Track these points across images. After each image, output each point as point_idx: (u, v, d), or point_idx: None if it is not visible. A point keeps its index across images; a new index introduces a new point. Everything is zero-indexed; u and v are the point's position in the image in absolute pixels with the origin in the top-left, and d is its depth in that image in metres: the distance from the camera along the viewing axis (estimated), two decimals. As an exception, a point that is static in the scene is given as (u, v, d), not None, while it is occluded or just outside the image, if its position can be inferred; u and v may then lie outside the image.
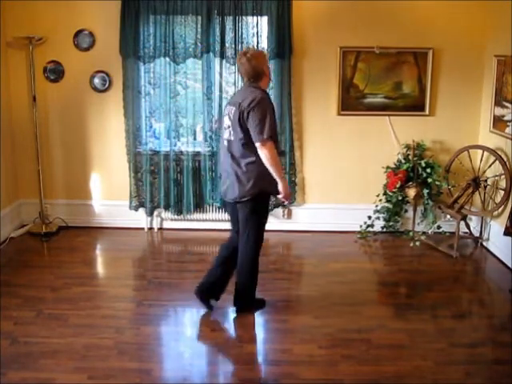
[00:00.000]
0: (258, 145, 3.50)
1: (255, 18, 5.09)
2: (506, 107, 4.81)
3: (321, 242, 5.33)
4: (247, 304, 3.91)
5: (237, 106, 3.56)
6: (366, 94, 5.31)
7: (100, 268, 4.95)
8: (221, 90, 5.24)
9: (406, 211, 5.45)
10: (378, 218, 5.42)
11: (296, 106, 5.33)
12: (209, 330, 3.81)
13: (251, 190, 3.60)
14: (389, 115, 5.35)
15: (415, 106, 5.33)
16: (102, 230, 5.56)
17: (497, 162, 4.89)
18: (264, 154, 3.49)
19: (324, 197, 5.53)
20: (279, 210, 5.53)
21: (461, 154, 5.26)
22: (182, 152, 5.38)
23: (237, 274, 3.85)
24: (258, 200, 3.65)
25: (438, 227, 5.28)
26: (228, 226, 5.51)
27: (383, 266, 4.90)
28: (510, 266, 4.69)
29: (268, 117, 3.47)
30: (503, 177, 4.84)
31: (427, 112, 5.33)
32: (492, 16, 5.06)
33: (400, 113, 5.34)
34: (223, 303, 4.07)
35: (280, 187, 3.62)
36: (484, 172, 5.11)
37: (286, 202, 3.92)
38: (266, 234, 5.57)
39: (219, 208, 5.49)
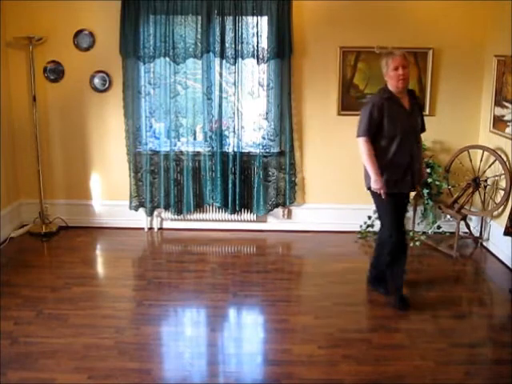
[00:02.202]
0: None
1: (255, 18, 5.08)
2: (506, 107, 4.81)
3: (321, 242, 5.33)
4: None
5: None
6: (366, 94, 5.30)
7: (100, 268, 4.95)
8: (221, 90, 5.23)
9: (406, 211, 5.44)
10: (378, 218, 5.40)
11: (296, 106, 5.33)
12: (209, 329, 3.81)
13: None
14: (389, 115, 5.34)
15: (415, 106, 5.33)
16: (102, 229, 5.56)
17: (497, 161, 4.89)
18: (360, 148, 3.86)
19: (324, 197, 5.53)
20: (279, 210, 5.53)
21: (461, 154, 5.26)
22: (182, 152, 5.39)
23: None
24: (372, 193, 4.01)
25: (438, 227, 5.28)
26: (226, 226, 5.55)
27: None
28: (510, 265, 4.70)
29: (365, 117, 3.81)
30: (503, 177, 4.84)
31: (427, 112, 5.32)
32: (492, 16, 5.07)
33: (400, 113, 5.34)
34: (223, 303, 4.08)
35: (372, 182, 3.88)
36: (484, 172, 5.11)
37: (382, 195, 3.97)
38: (265, 234, 5.61)
39: (219, 208, 5.49)
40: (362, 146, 3.84)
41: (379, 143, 3.85)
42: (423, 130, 4.07)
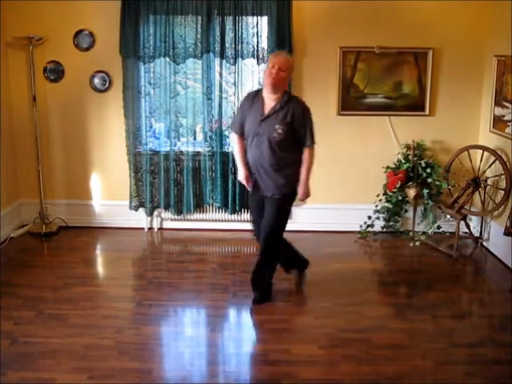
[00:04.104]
0: None
1: (255, 18, 5.08)
2: (506, 107, 4.81)
3: (321, 242, 5.33)
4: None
5: None
6: (366, 93, 5.31)
7: (100, 268, 4.95)
8: (221, 90, 5.23)
9: (406, 211, 5.45)
10: (378, 218, 5.42)
11: (296, 105, 5.32)
12: (209, 329, 3.81)
13: None
14: (389, 115, 5.35)
15: (415, 105, 5.33)
16: (102, 229, 5.56)
17: (497, 161, 4.89)
18: None
19: (324, 197, 5.52)
20: (279, 210, 5.53)
21: (461, 154, 5.26)
22: (182, 152, 5.38)
23: None
24: None
25: (438, 227, 5.28)
26: (226, 226, 5.54)
27: (383, 265, 4.90)
28: (510, 265, 4.70)
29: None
30: (503, 177, 4.84)
31: (427, 112, 5.33)
32: (492, 16, 5.06)
33: (400, 113, 5.34)
34: (223, 303, 4.08)
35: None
36: (484, 172, 5.11)
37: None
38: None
39: (219, 208, 5.49)
40: (231, 139, 4.01)
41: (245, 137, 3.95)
42: (303, 144, 3.91)
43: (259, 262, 4.08)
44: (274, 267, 4.13)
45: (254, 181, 3.94)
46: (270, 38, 5.09)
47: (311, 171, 4.03)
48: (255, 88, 5.21)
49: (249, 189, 4.01)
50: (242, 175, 3.97)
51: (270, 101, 3.80)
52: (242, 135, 3.95)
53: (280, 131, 3.76)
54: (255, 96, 3.88)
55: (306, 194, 4.02)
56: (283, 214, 4.00)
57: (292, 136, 3.82)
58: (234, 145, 4.03)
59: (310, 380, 3.17)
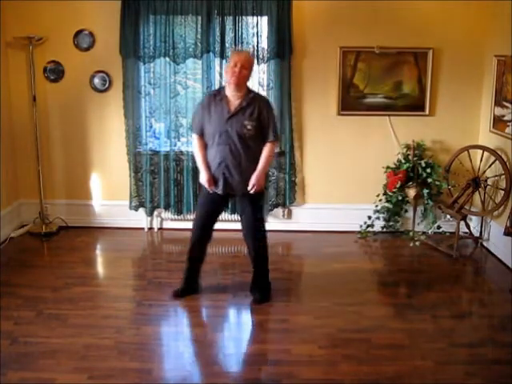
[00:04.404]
0: None
1: (255, 18, 5.08)
2: (506, 107, 4.81)
3: (321, 241, 5.33)
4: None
5: None
6: (366, 94, 5.31)
7: (100, 268, 4.95)
8: (221, 90, 5.24)
9: (406, 211, 5.45)
10: (378, 218, 5.42)
11: (296, 106, 5.33)
12: (208, 329, 3.81)
13: None
14: (389, 115, 5.35)
15: (415, 105, 5.33)
16: (102, 229, 5.56)
17: (497, 161, 4.89)
18: None
19: (324, 197, 5.53)
20: (279, 210, 5.53)
21: (461, 153, 5.26)
22: (182, 152, 5.38)
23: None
24: None
25: (438, 227, 5.28)
26: (226, 226, 5.54)
27: (383, 265, 4.90)
28: (510, 265, 4.70)
29: (195, 113, 3.98)
30: (503, 177, 4.84)
31: (427, 112, 5.33)
32: (492, 16, 5.06)
33: (400, 113, 5.34)
34: (223, 303, 4.08)
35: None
36: (484, 172, 5.11)
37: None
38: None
39: (219, 208, 5.49)
40: (192, 141, 4.03)
41: (205, 138, 3.95)
42: (267, 138, 3.93)
43: (258, 262, 4.09)
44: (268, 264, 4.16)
45: (224, 181, 3.91)
46: (270, 38, 5.09)
47: (269, 165, 4.16)
48: (256, 88, 5.22)
49: (210, 191, 3.94)
50: (205, 177, 3.93)
51: (234, 99, 3.86)
52: (202, 136, 3.96)
53: (249, 127, 3.85)
54: (217, 95, 3.90)
55: (259, 185, 3.94)
56: (261, 208, 4.12)
57: (260, 131, 3.91)
58: (194, 146, 4.00)
59: (310, 380, 3.17)
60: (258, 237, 4.05)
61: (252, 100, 3.87)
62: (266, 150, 3.94)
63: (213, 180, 3.92)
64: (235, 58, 3.79)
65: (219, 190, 3.94)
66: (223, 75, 3.97)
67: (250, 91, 3.93)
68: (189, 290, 4.16)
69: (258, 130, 3.88)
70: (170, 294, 4.16)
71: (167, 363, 3.40)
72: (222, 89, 3.96)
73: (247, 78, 3.85)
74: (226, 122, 3.83)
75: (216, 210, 4.08)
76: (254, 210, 4.00)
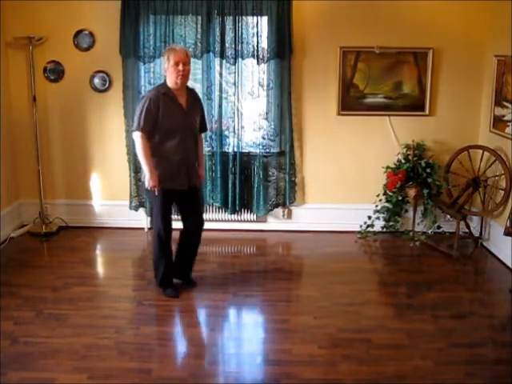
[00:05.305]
0: None
1: (255, 17, 5.08)
2: (506, 107, 4.81)
3: (321, 241, 5.33)
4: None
5: None
6: (366, 94, 5.31)
7: (100, 268, 4.95)
8: (221, 90, 5.23)
9: (406, 211, 5.45)
10: (378, 218, 5.42)
11: (296, 106, 5.33)
12: (208, 329, 3.81)
13: None
14: (389, 115, 5.35)
15: (415, 105, 5.33)
16: (102, 229, 5.56)
17: (497, 161, 4.89)
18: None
19: (324, 197, 5.53)
20: (279, 210, 5.53)
21: (461, 154, 5.26)
22: (181, 152, 5.38)
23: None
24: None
25: (438, 227, 5.28)
26: (226, 226, 5.55)
27: (383, 265, 4.90)
28: (510, 265, 4.70)
29: (141, 111, 3.82)
30: (503, 177, 4.84)
31: (427, 112, 5.33)
32: (492, 16, 5.06)
33: (400, 113, 5.34)
34: (223, 303, 4.08)
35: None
36: (484, 172, 5.11)
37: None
38: (265, 234, 5.61)
39: (219, 208, 5.48)
40: (137, 141, 3.88)
41: (154, 138, 3.89)
42: (204, 129, 4.21)
43: (193, 249, 4.26)
44: None
45: (187, 176, 3.96)
46: (270, 38, 5.09)
47: None
48: (256, 88, 5.23)
49: (156, 192, 3.91)
50: (155, 180, 3.87)
51: (180, 96, 3.93)
52: (149, 137, 3.90)
53: (197, 121, 4.06)
54: (165, 94, 3.88)
55: (203, 177, 4.30)
56: None
57: (200, 124, 4.12)
58: (142, 147, 3.86)
59: (310, 380, 3.17)
60: (201, 228, 4.20)
61: (192, 94, 4.05)
62: (201, 142, 4.20)
63: (171, 177, 3.93)
64: (176, 58, 3.80)
65: (184, 186, 3.97)
66: (163, 73, 3.99)
67: (187, 87, 4.02)
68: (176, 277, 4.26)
69: (198, 123, 4.09)
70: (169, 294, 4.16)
71: (167, 363, 3.39)
72: (164, 86, 3.91)
73: (190, 73, 3.95)
74: (184, 118, 3.92)
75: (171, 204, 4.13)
76: (202, 203, 4.24)
